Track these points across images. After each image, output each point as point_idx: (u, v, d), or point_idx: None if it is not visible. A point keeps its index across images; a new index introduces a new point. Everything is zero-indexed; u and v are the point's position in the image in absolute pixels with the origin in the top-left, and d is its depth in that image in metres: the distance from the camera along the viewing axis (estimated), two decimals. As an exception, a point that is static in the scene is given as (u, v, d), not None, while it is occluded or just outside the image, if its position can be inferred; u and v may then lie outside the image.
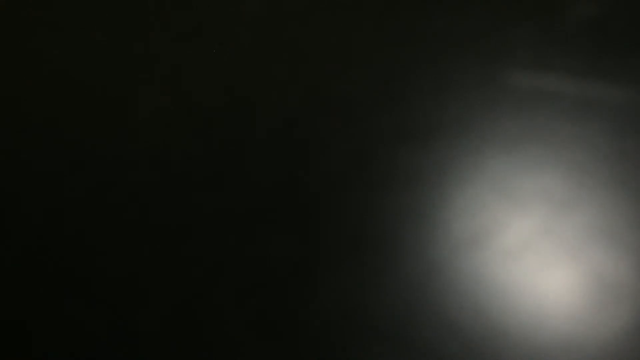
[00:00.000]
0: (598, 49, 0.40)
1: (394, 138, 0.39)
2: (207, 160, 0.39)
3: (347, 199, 0.38)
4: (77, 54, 0.42)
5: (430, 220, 0.37)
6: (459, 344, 0.35)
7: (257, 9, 0.43)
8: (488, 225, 0.37)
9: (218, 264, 0.37)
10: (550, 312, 0.35)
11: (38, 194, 0.39)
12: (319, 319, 0.36)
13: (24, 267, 0.38)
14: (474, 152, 0.38)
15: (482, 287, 0.36)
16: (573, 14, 0.41)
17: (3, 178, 0.40)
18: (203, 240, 0.37)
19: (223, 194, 0.38)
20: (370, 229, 0.37)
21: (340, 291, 0.36)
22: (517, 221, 0.37)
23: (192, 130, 0.40)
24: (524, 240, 0.36)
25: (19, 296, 0.37)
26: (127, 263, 0.37)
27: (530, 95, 0.39)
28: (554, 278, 0.36)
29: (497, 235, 0.37)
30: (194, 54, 0.42)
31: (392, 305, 0.36)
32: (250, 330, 0.36)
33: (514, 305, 0.35)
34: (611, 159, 0.38)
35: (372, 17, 0.42)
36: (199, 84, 0.41)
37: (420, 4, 0.42)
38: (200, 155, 0.39)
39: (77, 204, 0.39)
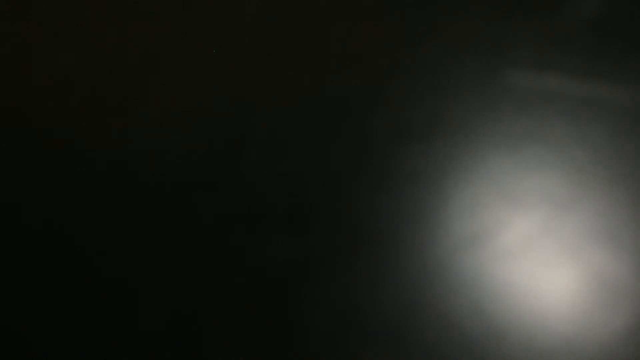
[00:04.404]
0: (598, 49, 0.40)
1: (393, 138, 0.39)
2: (207, 161, 0.39)
3: (347, 199, 0.38)
4: (75, 56, 0.42)
5: (430, 220, 0.37)
6: (459, 344, 0.35)
7: (257, 9, 0.43)
8: (488, 225, 0.37)
9: (218, 264, 0.37)
10: (550, 312, 0.35)
11: (37, 195, 0.39)
12: (318, 318, 0.36)
13: (22, 270, 0.38)
14: (474, 152, 0.38)
15: (482, 287, 0.36)
16: (573, 13, 0.41)
17: (4, 176, 0.40)
18: (203, 241, 0.37)
19: (223, 194, 0.38)
20: (370, 229, 0.37)
21: (340, 291, 0.36)
22: (517, 221, 0.37)
23: (192, 131, 0.40)
24: (524, 240, 0.36)
25: (19, 299, 0.37)
26: (126, 264, 0.37)
27: (530, 95, 0.39)
28: (553, 278, 0.36)
29: (497, 235, 0.37)
30: (194, 54, 0.42)
31: (392, 305, 0.36)
32: (250, 330, 0.36)
33: (514, 305, 0.35)
34: (611, 159, 0.38)
35: (371, 17, 0.42)
36: (199, 85, 0.41)
37: (420, 4, 0.42)
38: (200, 155, 0.39)
39: (76, 204, 0.39)
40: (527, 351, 0.35)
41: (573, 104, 0.39)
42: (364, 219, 0.37)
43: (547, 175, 0.38)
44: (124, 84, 0.41)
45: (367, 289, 0.36)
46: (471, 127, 0.39)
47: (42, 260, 0.37)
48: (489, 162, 0.38)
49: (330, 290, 0.36)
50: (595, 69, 0.40)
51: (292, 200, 0.38)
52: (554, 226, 0.37)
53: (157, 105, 0.41)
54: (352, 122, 0.39)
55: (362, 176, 0.38)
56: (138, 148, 0.40)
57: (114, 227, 0.38)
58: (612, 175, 0.38)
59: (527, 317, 0.35)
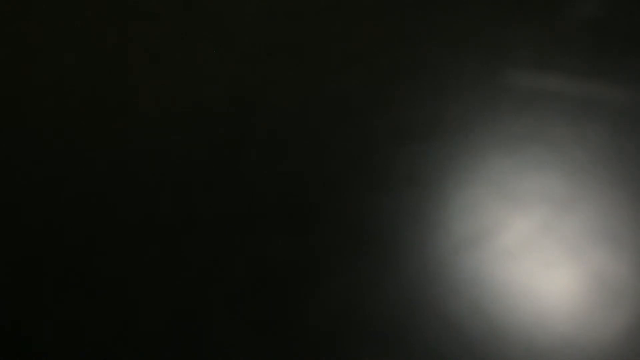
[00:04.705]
0: (598, 49, 0.40)
1: (393, 138, 0.39)
2: (207, 161, 0.39)
3: (347, 199, 0.38)
4: (75, 56, 0.42)
5: (430, 220, 0.37)
6: (459, 344, 0.35)
7: (257, 9, 0.43)
8: (488, 225, 0.37)
9: (218, 264, 0.37)
10: (550, 312, 0.35)
11: (37, 195, 0.39)
12: (318, 318, 0.36)
13: (22, 270, 0.38)
14: (474, 152, 0.38)
15: (482, 287, 0.36)
16: (573, 13, 0.41)
17: (5, 176, 0.40)
18: (203, 241, 0.37)
19: (223, 194, 0.38)
20: (370, 229, 0.37)
21: (340, 291, 0.36)
22: (518, 221, 0.37)
23: (192, 131, 0.40)
24: (524, 240, 0.36)
25: (19, 299, 0.37)
26: (126, 264, 0.37)
27: (530, 95, 0.39)
28: (553, 278, 0.36)
29: (497, 235, 0.37)
30: (194, 54, 0.42)
31: (392, 305, 0.36)
32: (250, 330, 0.36)
33: (514, 305, 0.35)
34: (611, 159, 0.38)
35: (371, 17, 0.42)
36: (199, 85, 0.41)
37: (420, 4, 0.42)
38: (200, 155, 0.39)
39: (76, 204, 0.39)
40: (527, 351, 0.35)
41: (573, 104, 0.39)
42: (364, 219, 0.37)
43: (547, 175, 0.38)
44: (124, 84, 0.41)
45: (367, 289, 0.36)
46: (471, 127, 0.39)
47: (42, 260, 0.37)
48: (489, 162, 0.38)
49: (330, 290, 0.36)
50: (595, 69, 0.40)
51: (292, 200, 0.38)
52: (554, 226, 0.37)
53: (157, 105, 0.40)
54: (352, 122, 0.39)
55: (362, 176, 0.38)
56: (138, 148, 0.40)
57: (114, 227, 0.38)
58: (612, 175, 0.38)
59: (527, 317, 0.35)
